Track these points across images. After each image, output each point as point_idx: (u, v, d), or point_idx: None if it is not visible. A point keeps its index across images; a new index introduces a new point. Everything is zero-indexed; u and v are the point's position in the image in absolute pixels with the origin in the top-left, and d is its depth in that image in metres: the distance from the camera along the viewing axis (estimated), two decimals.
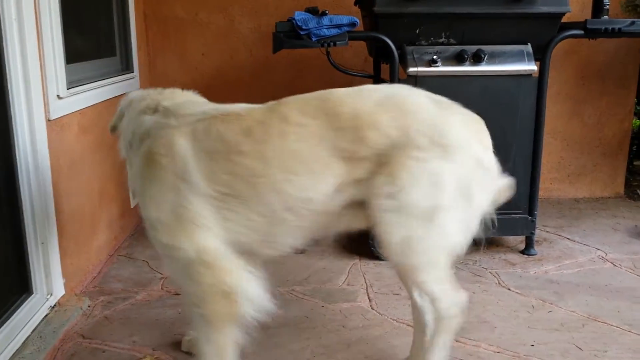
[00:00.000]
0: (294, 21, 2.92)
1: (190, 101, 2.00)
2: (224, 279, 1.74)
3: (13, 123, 2.30)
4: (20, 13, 2.27)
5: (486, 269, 3.08)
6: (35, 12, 2.38)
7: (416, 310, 2.06)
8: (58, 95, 2.55)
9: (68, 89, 2.65)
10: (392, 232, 1.79)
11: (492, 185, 1.89)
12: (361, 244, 3.27)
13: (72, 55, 2.78)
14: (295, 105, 1.80)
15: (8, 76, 2.26)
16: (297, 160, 1.74)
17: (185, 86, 4.01)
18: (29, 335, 2.27)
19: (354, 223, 1.93)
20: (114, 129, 2.17)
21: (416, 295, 2.02)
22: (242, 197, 1.75)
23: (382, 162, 1.75)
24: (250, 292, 1.78)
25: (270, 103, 1.85)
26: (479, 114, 3.01)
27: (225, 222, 1.77)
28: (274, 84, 4.02)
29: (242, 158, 1.74)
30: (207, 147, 1.76)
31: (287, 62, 3.96)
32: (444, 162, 1.75)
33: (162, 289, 2.85)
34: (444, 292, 1.89)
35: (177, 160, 1.76)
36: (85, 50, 3.13)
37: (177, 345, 2.33)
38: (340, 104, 1.77)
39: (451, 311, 1.92)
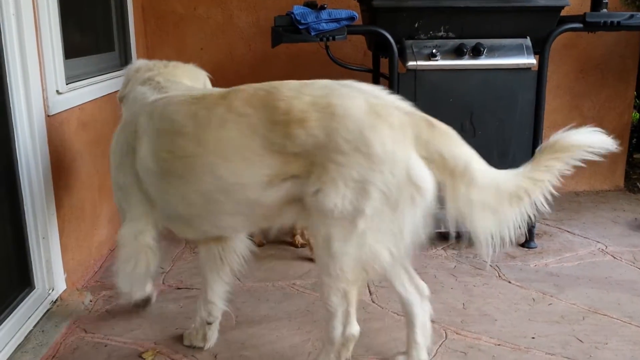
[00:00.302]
0: (292, 15, 2.91)
1: (177, 82, 2.20)
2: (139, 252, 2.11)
3: (13, 119, 2.29)
4: (19, 8, 2.27)
5: (486, 262, 3.09)
6: (34, 8, 2.38)
7: (403, 303, 2.12)
8: (57, 91, 2.55)
9: (67, 84, 2.66)
10: (316, 230, 1.82)
11: (422, 200, 1.79)
12: None
13: (71, 50, 2.78)
14: (243, 94, 1.87)
15: (7, 72, 2.26)
16: (231, 147, 1.83)
17: None
18: (32, 330, 2.28)
19: (296, 219, 1.96)
20: (122, 98, 2.30)
21: (399, 287, 2.07)
22: (180, 174, 1.90)
23: (313, 161, 1.77)
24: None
25: (227, 90, 1.94)
26: (478, 107, 3.06)
27: (165, 195, 1.98)
28: (272, 79, 3.95)
29: (181, 139, 1.89)
30: (158, 126, 1.95)
31: (285, 57, 3.96)
32: (367, 171, 1.73)
33: (163, 283, 2.85)
34: (340, 309, 1.88)
35: (134, 134, 2.00)
36: (84, 45, 3.13)
37: (178, 339, 2.33)
38: (280, 97, 1.81)
39: (335, 333, 1.91)
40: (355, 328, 1.93)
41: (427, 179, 1.79)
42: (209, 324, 2.26)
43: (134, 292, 2.32)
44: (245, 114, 1.82)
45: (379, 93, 1.89)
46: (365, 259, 1.81)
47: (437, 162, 1.82)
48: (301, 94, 1.82)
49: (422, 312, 2.10)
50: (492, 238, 1.89)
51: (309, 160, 1.77)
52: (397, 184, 1.75)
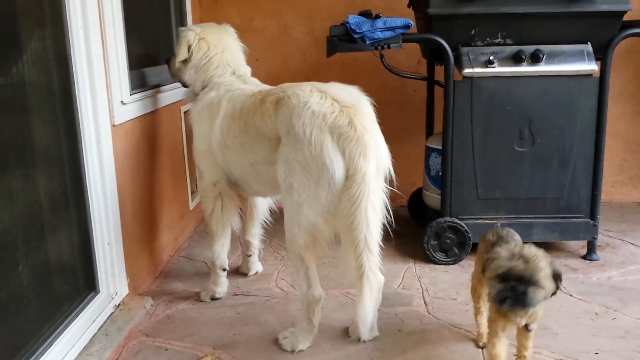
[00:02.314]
0: (347, 25, 2.93)
1: (255, 80, 2.81)
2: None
3: (80, 129, 2.39)
4: (86, 21, 2.37)
5: None
6: (100, 21, 2.47)
7: None
8: (122, 101, 2.64)
9: (131, 94, 2.75)
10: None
11: (332, 180, 2.12)
12: (416, 248, 3.25)
13: (134, 62, 2.88)
14: (273, 93, 2.39)
15: (76, 83, 2.36)
16: (253, 133, 2.41)
17: None
18: (96, 333, 2.36)
19: None
20: (185, 61, 2.79)
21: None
22: (232, 149, 2.52)
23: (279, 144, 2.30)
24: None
25: (274, 88, 2.46)
26: (537, 115, 3.00)
27: (226, 161, 2.59)
28: None
29: (234, 122, 2.49)
30: (228, 110, 2.55)
31: (339, 66, 3.98)
32: (292, 149, 2.18)
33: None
34: (301, 271, 2.28)
35: (217, 112, 2.58)
36: (146, 57, 3.23)
37: (235, 344, 2.38)
38: (275, 94, 2.36)
39: (303, 292, 2.30)
40: (317, 291, 2.29)
41: (336, 163, 2.11)
42: (249, 256, 3.03)
43: (220, 232, 2.76)
44: (268, 107, 2.34)
45: (331, 86, 2.32)
46: (306, 226, 2.19)
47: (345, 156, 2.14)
48: (284, 91, 2.32)
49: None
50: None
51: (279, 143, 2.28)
52: (315, 162, 2.13)
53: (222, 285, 2.80)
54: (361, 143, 2.12)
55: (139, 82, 2.97)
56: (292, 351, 2.31)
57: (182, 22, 3.68)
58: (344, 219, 2.15)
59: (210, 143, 2.59)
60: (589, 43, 3.00)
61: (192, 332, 2.49)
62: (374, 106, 2.33)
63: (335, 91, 2.26)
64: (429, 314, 2.62)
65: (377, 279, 2.20)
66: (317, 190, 2.15)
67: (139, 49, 3.09)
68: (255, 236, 3.04)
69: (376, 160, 2.17)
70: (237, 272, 3.10)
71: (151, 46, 3.39)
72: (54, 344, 2.11)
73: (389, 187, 2.30)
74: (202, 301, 2.76)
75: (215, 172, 2.65)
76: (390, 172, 2.30)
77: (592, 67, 2.98)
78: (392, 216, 2.27)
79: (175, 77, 2.91)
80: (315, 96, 2.22)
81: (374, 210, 2.15)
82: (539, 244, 3.20)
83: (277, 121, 2.28)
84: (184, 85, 2.87)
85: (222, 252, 2.78)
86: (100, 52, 2.48)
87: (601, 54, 3.01)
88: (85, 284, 2.47)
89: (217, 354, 2.32)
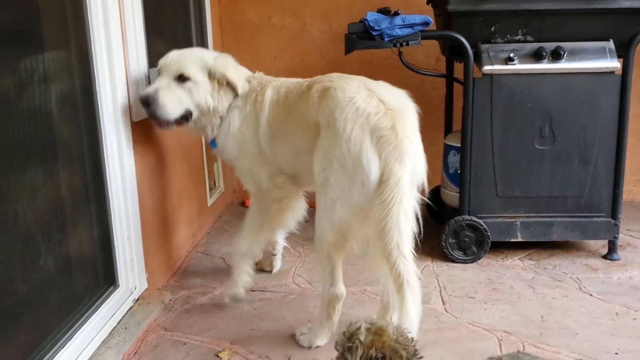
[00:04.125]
0: (366, 22, 2.92)
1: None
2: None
3: (101, 125, 2.42)
4: (107, 19, 2.39)
5: (566, 273, 2.97)
6: (121, 19, 2.50)
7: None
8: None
9: None
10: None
11: (367, 180, 2.09)
12: (434, 246, 3.24)
13: (154, 59, 2.90)
14: (323, 79, 2.36)
15: (96, 79, 2.39)
16: (296, 120, 2.39)
17: None
18: (115, 326, 2.39)
19: None
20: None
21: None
22: (278, 137, 2.49)
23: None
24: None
25: (322, 77, 2.40)
26: (558, 113, 2.97)
27: (275, 157, 2.53)
28: None
29: (281, 108, 2.47)
30: (275, 97, 2.51)
31: (357, 63, 3.97)
32: (331, 144, 2.15)
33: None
34: (327, 269, 2.27)
35: (261, 105, 2.54)
36: (166, 54, 3.25)
37: (253, 339, 2.39)
38: (319, 82, 2.34)
39: (325, 291, 2.31)
40: (340, 289, 2.29)
41: (372, 164, 2.08)
42: (274, 255, 3.04)
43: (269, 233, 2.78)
44: (311, 94, 2.32)
45: (379, 85, 2.30)
46: (338, 224, 2.16)
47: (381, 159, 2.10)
48: (332, 81, 2.29)
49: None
50: None
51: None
52: (352, 159, 2.09)
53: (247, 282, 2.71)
54: (399, 149, 2.07)
55: None
56: (310, 347, 2.32)
57: (201, 19, 3.70)
58: (375, 224, 2.08)
59: (259, 141, 2.52)
60: (611, 40, 2.96)
61: (209, 327, 2.50)
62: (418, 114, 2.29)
63: (382, 92, 2.22)
64: (447, 312, 2.61)
65: (418, 284, 2.10)
66: (351, 189, 2.11)
67: (158, 46, 3.11)
68: (282, 235, 3.04)
69: (412, 169, 2.11)
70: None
71: (170, 43, 3.41)
72: (74, 336, 2.13)
73: (422, 197, 2.26)
74: (220, 296, 2.78)
75: (271, 170, 2.56)
76: (424, 184, 2.24)
77: (614, 64, 2.94)
78: (422, 228, 2.19)
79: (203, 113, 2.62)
80: (362, 93, 2.18)
81: (405, 217, 2.07)
82: (558, 244, 3.21)
83: (320, 110, 2.25)
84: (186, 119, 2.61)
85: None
86: (121, 49, 2.50)
87: (623, 51, 2.96)
88: (105, 277, 2.50)
89: (235, 348, 2.33)
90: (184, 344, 2.38)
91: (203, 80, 2.54)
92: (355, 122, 2.11)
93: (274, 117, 2.48)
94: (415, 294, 2.06)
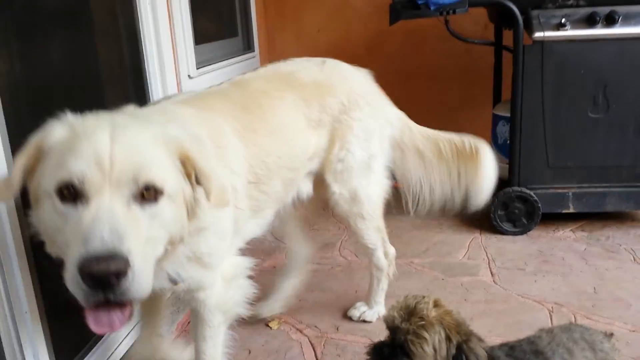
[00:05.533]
0: None
1: None
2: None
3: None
4: None
5: (620, 245, 2.89)
6: None
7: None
8: (189, 75, 2.71)
9: (197, 68, 2.81)
10: (336, 191, 2.12)
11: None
12: (482, 218, 3.20)
13: (200, 36, 2.94)
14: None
15: (145, 58, 2.44)
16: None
17: None
18: (169, 297, 2.47)
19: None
20: None
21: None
22: None
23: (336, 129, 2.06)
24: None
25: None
26: (613, 80, 2.86)
27: None
28: (389, 57, 3.99)
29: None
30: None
31: (402, 34, 3.91)
32: (372, 120, 2.11)
33: (285, 257, 2.96)
34: (379, 242, 2.26)
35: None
36: (211, 31, 3.29)
37: (301, 310, 2.44)
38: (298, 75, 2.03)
39: (382, 261, 2.31)
40: (392, 248, 2.34)
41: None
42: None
43: None
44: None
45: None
46: (384, 193, 2.20)
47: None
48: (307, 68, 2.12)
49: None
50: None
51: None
52: (385, 131, 2.17)
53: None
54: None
55: (205, 57, 3.03)
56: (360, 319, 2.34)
57: None
58: None
59: None
60: None
61: (259, 298, 2.55)
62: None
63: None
64: (496, 284, 2.59)
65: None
66: (384, 157, 2.22)
67: (204, 23, 3.15)
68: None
69: None
70: None
71: (216, 21, 3.45)
72: None
73: None
74: (268, 267, 2.83)
75: None
76: None
77: None
78: None
79: None
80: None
81: None
82: (612, 214, 3.12)
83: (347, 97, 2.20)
84: None
85: None
86: (168, 27, 2.54)
87: None
88: None
89: (284, 318, 2.39)
90: None
91: (179, 187, 1.33)
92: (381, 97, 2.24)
93: None
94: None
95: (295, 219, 2.43)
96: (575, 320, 2.25)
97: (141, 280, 1.17)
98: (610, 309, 2.32)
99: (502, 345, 1.49)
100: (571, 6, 2.89)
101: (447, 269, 2.75)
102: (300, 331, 2.31)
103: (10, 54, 1.71)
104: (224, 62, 3.22)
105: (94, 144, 1.21)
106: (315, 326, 2.32)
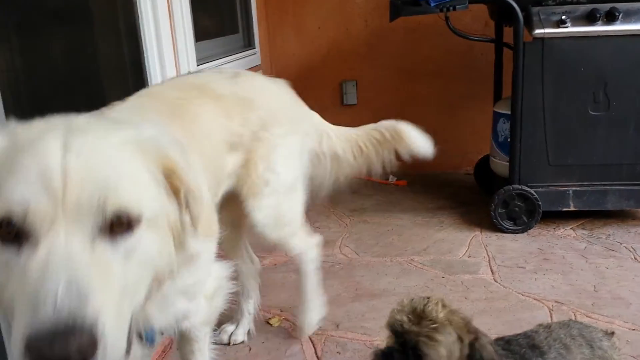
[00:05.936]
0: None
1: None
2: None
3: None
4: None
5: (621, 243, 2.89)
6: None
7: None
8: (189, 72, 2.70)
9: (198, 65, 2.80)
10: (256, 209, 1.86)
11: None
12: (482, 216, 3.20)
13: (200, 33, 2.93)
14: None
15: (145, 54, 2.43)
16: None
17: (301, 60, 4.10)
18: None
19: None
20: None
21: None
22: None
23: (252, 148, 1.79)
24: None
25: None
26: (613, 77, 2.85)
27: None
28: (390, 54, 3.99)
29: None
30: None
31: (402, 31, 3.90)
32: (294, 135, 1.93)
33: (286, 255, 2.96)
34: (300, 241, 2.11)
35: None
36: (211, 28, 3.28)
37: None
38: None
39: (307, 255, 2.17)
40: (317, 237, 2.20)
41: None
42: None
43: None
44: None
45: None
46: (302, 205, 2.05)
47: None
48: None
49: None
50: None
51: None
52: (306, 145, 2.03)
53: None
54: None
55: (206, 53, 3.02)
56: None
57: None
58: None
59: None
60: None
61: (260, 295, 2.56)
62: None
63: None
64: (496, 281, 2.59)
65: None
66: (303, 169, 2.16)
67: (204, 20, 3.14)
68: None
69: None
70: None
71: (216, 17, 3.44)
72: None
73: None
74: (269, 265, 2.83)
75: None
76: None
77: None
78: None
79: None
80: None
81: None
82: (612, 213, 3.12)
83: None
84: None
85: None
86: (168, 24, 2.53)
87: None
88: None
89: (285, 315, 2.39)
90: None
91: (161, 209, 1.00)
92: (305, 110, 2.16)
93: None
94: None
95: (230, 239, 2.20)
96: (575, 318, 2.24)
97: (115, 349, 0.82)
98: (611, 308, 2.31)
99: (498, 340, 1.48)
100: (571, 3, 2.88)
101: (448, 266, 2.75)
102: None
103: (10, 50, 1.71)
104: (224, 58, 3.22)
105: (40, 158, 0.86)
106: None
